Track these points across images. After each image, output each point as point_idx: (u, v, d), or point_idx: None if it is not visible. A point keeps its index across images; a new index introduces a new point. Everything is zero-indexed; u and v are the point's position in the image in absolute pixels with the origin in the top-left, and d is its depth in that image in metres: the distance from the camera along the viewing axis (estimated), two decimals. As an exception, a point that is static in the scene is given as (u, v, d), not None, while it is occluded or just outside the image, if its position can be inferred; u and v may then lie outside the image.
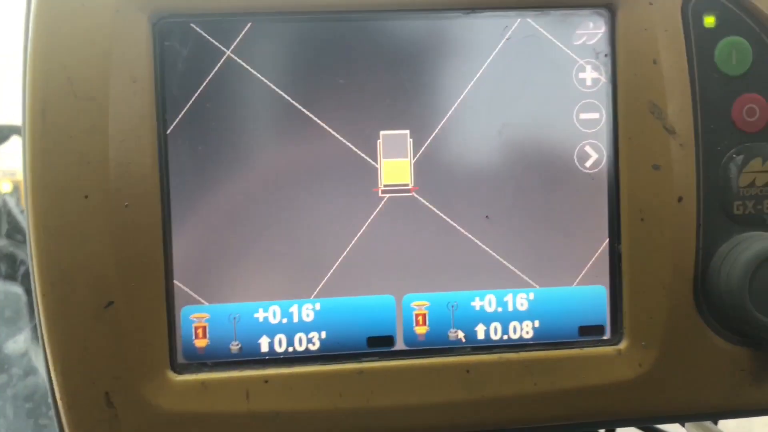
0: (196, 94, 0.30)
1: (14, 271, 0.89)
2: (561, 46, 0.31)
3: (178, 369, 0.30)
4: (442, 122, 0.31)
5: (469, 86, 0.31)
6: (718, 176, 0.31)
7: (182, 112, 0.29)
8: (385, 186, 0.31)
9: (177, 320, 0.30)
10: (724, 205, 0.31)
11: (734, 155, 0.31)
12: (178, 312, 0.30)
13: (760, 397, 0.32)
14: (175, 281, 0.30)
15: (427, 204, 0.31)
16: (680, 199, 0.30)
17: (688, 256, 0.31)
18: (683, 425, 0.40)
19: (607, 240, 0.31)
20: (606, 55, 0.31)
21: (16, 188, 1.04)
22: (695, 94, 0.30)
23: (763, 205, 0.31)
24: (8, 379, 0.79)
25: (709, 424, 0.38)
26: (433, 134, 0.31)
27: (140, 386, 0.29)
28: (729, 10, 0.31)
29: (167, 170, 0.29)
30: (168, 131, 0.29)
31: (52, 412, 0.30)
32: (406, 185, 0.31)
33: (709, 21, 0.31)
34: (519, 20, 0.31)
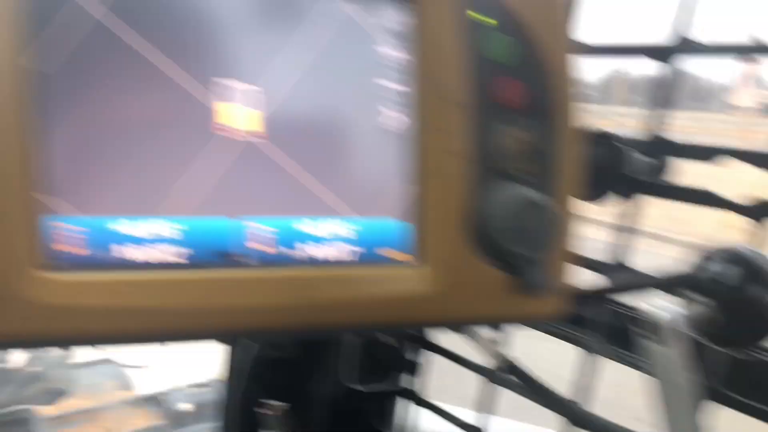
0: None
1: None
2: (368, 25, 0.39)
3: (47, 268, 0.34)
4: (292, 79, 0.38)
5: (296, 52, 0.38)
6: (487, 141, 0.40)
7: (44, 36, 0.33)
8: (228, 127, 0.37)
9: (38, 227, 0.34)
10: (492, 163, 0.41)
11: (499, 125, 0.41)
12: (40, 220, 0.34)
13: (517, 310, 0.42)
14: (38, 192, 0.34)
15: (270, 144, 0.37)
16: (459, 156, 0.40)
17: (465, 200, 0.40)
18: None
19: (406, 185, 0.40)
20: (404, 35, 0.39)
21: None
22: (470, 74, 0.40)
23: (519, 164, 0.41)
24: None
25: (484, 336, 0.49)
26: (277, 88, 0.37)
27: (9, 283, 0.33)
28: (496, 7, 0.40)
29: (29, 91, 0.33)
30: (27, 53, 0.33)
31: None
32: (252, 130, 0.37)
33: (479, 16, 0.40)
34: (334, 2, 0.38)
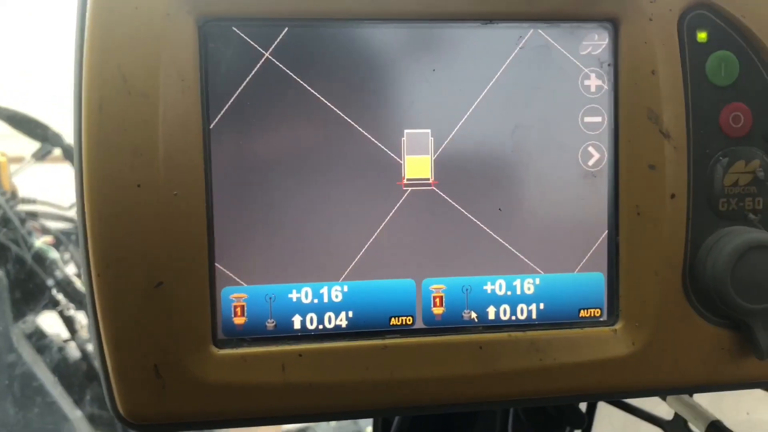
0: (237, 92, 0.32)
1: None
2: (568, 55, 0.34)
3: (219, 344, 0.32)
4: (461, 123, 0.34)
5: (485, 90, 0.34)
6: (706, 176, 0.34)
7: (224, 109, 0.32)
8: (408, 180, 0.34)
9: (218, 299, 0.32)
10: (711, 202, 0.34)
11: (721, 158, 0.34)
12: (219, 292, 0.32)
13: (737, 373, 0.36)
14: (217, 264, 0.32)
15: (445, 197, 0.34)
16: (673, 196, 0.34)
17: (678, 247, 0.34)
18: (664, 399, 0.44)
19: (606, 232, 0.35)
20: (609, 65, 0.34)
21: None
22: (688, 102, 0.34)
23: (744, 202, 0.35)
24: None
25: (686, 397, 0.42)
26: (452, 133, 0.34)
27: (186, 359, 0.31)
28: (719, 26, 0.34)
29: (210, 162, 0.32)
30: (211, 126, 0.32)
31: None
32: (427, 179, 0.34)
33: (702, 36, 0.34)
34: (531, 31, 0.34)
